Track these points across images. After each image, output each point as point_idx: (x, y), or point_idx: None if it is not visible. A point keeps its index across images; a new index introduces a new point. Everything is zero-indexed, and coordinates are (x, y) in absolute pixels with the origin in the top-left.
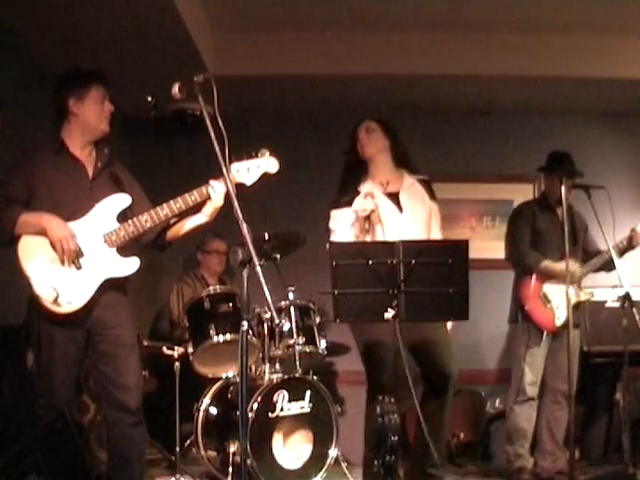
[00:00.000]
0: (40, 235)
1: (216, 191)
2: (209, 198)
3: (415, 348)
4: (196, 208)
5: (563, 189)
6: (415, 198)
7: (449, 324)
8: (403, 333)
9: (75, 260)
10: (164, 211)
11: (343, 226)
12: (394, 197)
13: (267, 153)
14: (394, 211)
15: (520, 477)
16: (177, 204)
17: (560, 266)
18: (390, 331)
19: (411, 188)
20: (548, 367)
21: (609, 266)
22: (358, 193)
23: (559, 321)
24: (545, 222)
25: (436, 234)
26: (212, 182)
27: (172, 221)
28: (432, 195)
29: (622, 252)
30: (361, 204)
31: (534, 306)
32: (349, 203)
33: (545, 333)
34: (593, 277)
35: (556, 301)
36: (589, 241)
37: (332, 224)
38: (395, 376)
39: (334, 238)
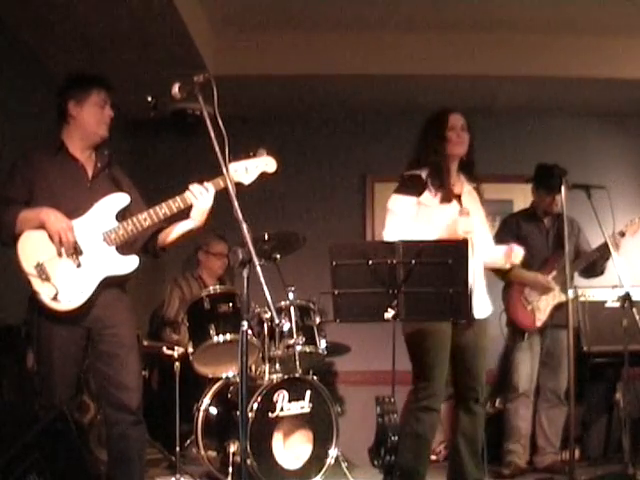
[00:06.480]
0: (40, 229)
1: (196, 196)
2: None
3: (454, 352)
4: (186, 213)
5: (563, 191)
6: (473, 202)
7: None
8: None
9: (74, 253)
10: (163, 210)
11: (403, 213)
12: (458, 199)
13: (265, 153)
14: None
15: (502, 470)
16: (176, 203)
17: (529, 274)
18: (445, 336)
19: (471, 193)
20: (540, 367)
21: (594, 269)
22: (426, 186)
23: (539, 322)
24: (529, 231)
25: (489, 237)
26: (191, 187)
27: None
28: (482, 201)
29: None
30: (464, 225)
31: (516, 308)
32: (417, 193)
33: (527, 334)
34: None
35: (535, 303)
36: (582, 242)
37: (391, 204)
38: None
39: (390, 221)
